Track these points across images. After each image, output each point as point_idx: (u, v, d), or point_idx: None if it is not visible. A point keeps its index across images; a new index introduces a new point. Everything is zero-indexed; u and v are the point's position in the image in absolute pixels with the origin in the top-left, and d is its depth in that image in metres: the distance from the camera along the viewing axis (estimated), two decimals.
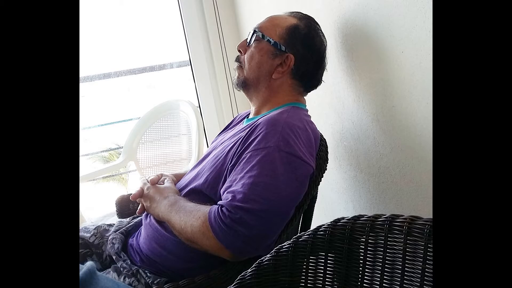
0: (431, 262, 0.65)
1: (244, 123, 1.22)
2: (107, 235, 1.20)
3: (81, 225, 1.30)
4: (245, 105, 2.16)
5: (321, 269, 0.79)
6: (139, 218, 1.24)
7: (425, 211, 1.04)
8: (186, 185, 1.12)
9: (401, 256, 0.69)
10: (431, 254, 0.65)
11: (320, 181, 1.10)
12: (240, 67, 1.21)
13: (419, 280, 0.66)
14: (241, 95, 1.32)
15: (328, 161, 1.15)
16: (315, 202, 1.20)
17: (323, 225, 0.78)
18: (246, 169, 0.95)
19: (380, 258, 0.72)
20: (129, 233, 1.21)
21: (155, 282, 1.00)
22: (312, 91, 1.24)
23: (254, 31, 1.18)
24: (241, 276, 0.78)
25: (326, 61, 1.20)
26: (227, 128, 1.38)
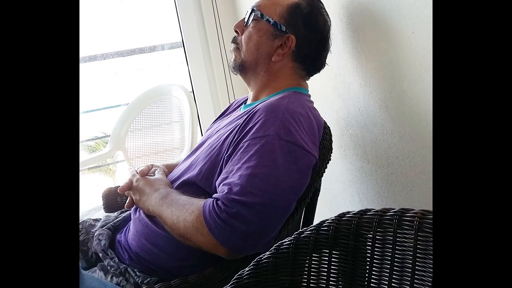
0: None
1: (242, 110, 1.21)
2: (93, 230, 1.20)
3: None
4: (243, 90, 2.15)
5: (324, 267, 0.79)
6: (128, 212, 1.24)
7: None
8: (179, 177, 1.12)
9: (411, 253, 0.68)
10: None
11: (324, 172, 1.09)
12: (237, 49, 1.20)
13: (430, 279, 0.65)
14: (238, 79, 1.31)
15: (332, 151, 1.15)
16: (318, 195, 1.20)
17: (327, 220, 0.78)
18: (244, 159, 0.95)
19: (388, 256, 0.72)
20: (116, 228, 1.21)
21: (144, 281, 0.99)
22: (315, 75, 1.23)
23: (252, 10, 1.17)
24: (238, 275, 0.78)
25: (330, 42, 1.19)
26: (223, 115, 1.38)
